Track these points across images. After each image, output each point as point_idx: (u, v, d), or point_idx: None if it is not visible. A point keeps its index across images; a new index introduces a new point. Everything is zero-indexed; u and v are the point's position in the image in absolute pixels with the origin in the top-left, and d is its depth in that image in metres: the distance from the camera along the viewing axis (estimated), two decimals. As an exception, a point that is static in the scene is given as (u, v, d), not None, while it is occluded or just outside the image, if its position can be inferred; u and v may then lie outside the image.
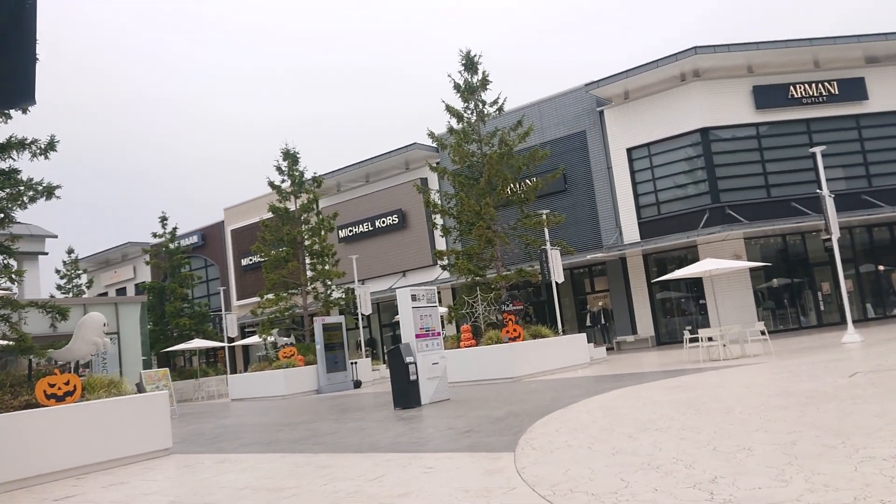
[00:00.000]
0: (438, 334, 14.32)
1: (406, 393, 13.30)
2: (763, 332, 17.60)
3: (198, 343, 29.32)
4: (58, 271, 37.65)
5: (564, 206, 30.47)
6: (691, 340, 19.59)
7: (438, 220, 25.92)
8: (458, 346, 19.51)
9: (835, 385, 9.16)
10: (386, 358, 13.40)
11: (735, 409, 8.15)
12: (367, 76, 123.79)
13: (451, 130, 21.97)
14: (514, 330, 19.10)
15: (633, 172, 28.95)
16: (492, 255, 21.81)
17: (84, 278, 38.40)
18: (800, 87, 27.43)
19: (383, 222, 36.07)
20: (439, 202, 22.90)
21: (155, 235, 32.75)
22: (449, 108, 21.89)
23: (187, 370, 31.08)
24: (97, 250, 50.98)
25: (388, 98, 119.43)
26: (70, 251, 38.79)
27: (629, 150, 28.99)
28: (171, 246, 33.07)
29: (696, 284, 27.59)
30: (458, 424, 9.94)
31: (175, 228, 33.37)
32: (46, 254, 37.42)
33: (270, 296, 26.05)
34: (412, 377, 13.34)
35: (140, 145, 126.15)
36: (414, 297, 13.91)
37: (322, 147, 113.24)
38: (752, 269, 26.58)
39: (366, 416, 12.98)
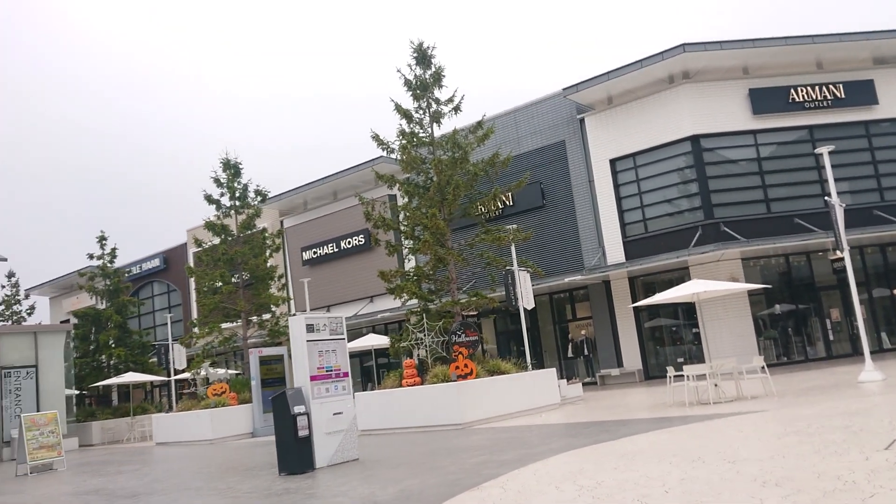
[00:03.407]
0: (345, 375, 11.22)
1: (292, 454, 10.17)
2: (763, 368, 14.50)
3: (130, 377, 26.15)
4: (-7, 297, 34.67)
5: (542, 223, 27.48)
6: (676, 378, 16.51)
7: (382, 235, 22.94)
8: (400, 385, 16.40)
9: (868, 466, 6.04)
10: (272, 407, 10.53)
11: (710, 513, 5.05)
12: (345, 99, 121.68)
13: (401, 133, 19.04)
14: (465, 366, 15.99)
15: (616, 186, 25.97)
16: (448, 276, 18.76)
17: (25, 304, 35.37)
18: (802, 91, 24.53)
19: (349, 243, 33.07)
20: (389, 216, 19.85)
21: (92, 257, 29.71)
22: (398, 108, 18.99)
23: (123, 408, 27.88)
24: (58, 275, 48.06)
25: (370, 123, 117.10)
26: (10, 275, 35.79)
27: (613, 162, 26.04)
28: (110, 267, 29.98)
29: (689, 311, 24.43)
30: (316, 515, 6.84)
31: (115, 248, 30.33)
32: (-7, 277, 34.46)
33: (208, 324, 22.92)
34: (301, 433, 10.22)
35: (130, 166, 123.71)
36: (311, 328, 10.84)
37: (304, 174, 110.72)
38: (751, 294, 23.46)
39: (236, 484, 9.84)
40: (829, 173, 15.79)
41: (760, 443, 7.98)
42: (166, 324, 38.90)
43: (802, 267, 24.58)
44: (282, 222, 36.75)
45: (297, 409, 10.26)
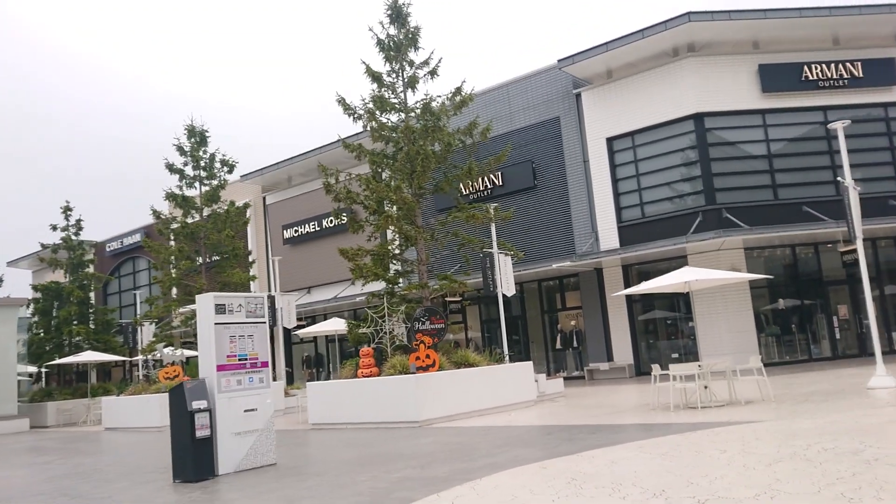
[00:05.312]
0: (264, 365, 9.55)
1: (188, 458, 8.54)
2: (760, 370, 12.78)
3: (89, 356, 24.60)
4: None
5: (533, 205, 25.71)
6: (662, 377, 14.85)
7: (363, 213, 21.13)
8: (356, 376, 14.76)
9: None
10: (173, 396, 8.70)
11: None
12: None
13: (371, 98, 17.26)
14: (428, 356, 14.32)
15: (613, 167, 24.15)
16: (425, 257, 17.01)
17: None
18: (816, 68, 22.60)
19: (331, 222, 31.35)
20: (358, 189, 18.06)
21: (55, 228, 28.06)
22: (368, 70, 17.20)
23: (81, 388, 26.35)
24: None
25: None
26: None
27: (609, 140, 24.20)
28: (73, 240, 28.30)
29: (689, 304, 22.61)
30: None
31: (80, 220, 28.66)
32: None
33: (162, 302, 21.31)
34: (200, 433, 8.58)
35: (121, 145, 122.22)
36: (222, 308, 9.16)
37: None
38: (753, 287, 21.70)
39: (120, 492, 8.21)
40: (844, 151, 13.98)
41: (745, 470, 6.27)
42: (142, 302, 37.49)
43: (810, 259, 22.79)
44: (264, 199, 35.12)
45: (197, 404, 8.61)
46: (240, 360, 9.21)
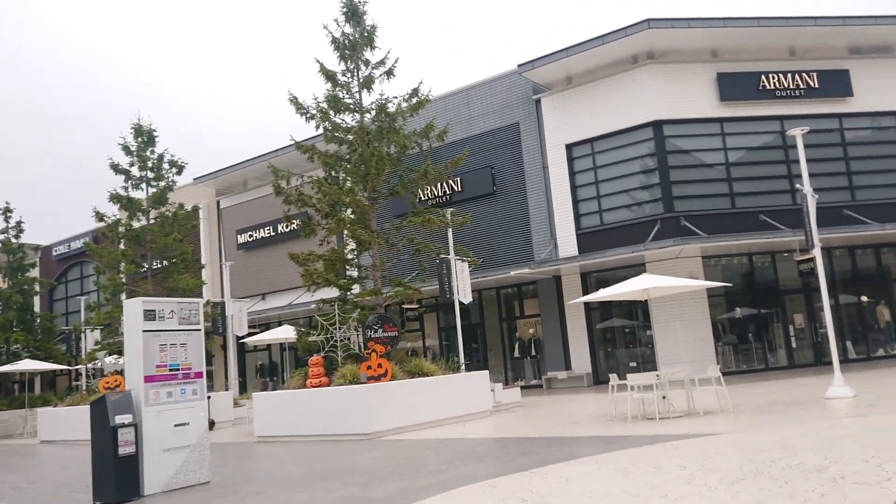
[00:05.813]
0: (198, 375, 8.91)
1: (110, 477, 7.85)
2: (719, 379, 12.52)
3: (27, 364, 23.44)
4: None
5: (493, 211, 25.34)
6: (619, 387, 14.50)
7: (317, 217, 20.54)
8: (304, 386, 14.13)
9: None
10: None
11: None
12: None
13: (328, 98, 16.68)
14: (380, 365, 13.77)
15: (572, 173, 23.89)
16: (379, 263, 16.48)
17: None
18: (773, 78, 22.70)
19: (287, 227, 30.50)
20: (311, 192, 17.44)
21: (-9, 230, 26.83)
22: (322, 69, 16.64)
23: (20, 399, 25.12)
24: None
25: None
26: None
27: (569, 147, 23.95)
28: (14, 242, 27.05)
29: (647, 312, 22.40)
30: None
31: (20, 222, 27.43)
32: None
33: (108, 307, 20.38)
34: (124, 450, 7.90)
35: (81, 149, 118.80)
36: (152, 315, 8.51)
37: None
38: (710, 296, 21.62)
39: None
40: (802, 158, 13.85)
41: (707, 490, 5.88)
42: (85, 308, 36.10)
43: (766, 268, 22.81)
44: (218, 202, 34.17)
45: (120, 419, 7.93)
46: (171, 370, 8.56)
